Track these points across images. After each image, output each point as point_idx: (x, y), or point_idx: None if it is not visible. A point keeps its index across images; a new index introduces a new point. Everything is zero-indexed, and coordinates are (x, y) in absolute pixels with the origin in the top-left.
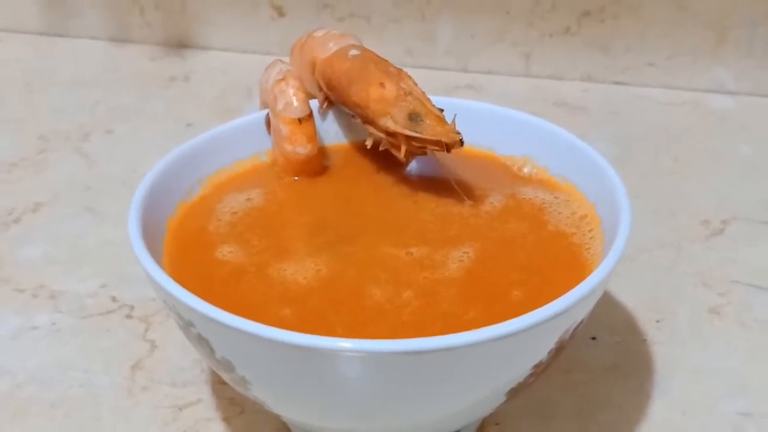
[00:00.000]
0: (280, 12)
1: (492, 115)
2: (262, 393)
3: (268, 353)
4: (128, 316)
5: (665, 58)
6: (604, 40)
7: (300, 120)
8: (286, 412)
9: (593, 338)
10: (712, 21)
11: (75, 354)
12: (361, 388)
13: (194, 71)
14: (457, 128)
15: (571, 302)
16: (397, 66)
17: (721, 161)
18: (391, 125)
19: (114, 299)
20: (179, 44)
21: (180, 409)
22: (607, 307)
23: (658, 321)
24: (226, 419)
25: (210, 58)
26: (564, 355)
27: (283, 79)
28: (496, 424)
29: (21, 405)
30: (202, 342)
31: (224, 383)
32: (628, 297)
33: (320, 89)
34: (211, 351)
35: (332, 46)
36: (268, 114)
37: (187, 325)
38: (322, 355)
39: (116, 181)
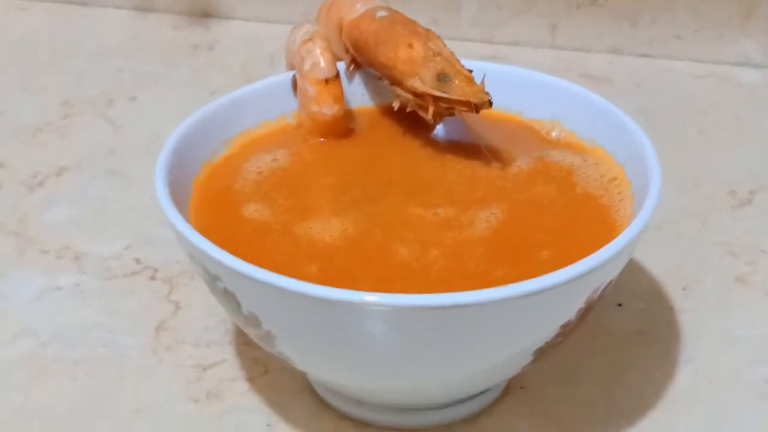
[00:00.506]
0: None
1: (520, 78)
2: (287, 349)
3: (295, 307)
4: (152, 278)
5: (692, 31)
6: (631, 12)
7: (327, 81)
8: (312, 368)
9: (619, 305)
10: None
11: (99, 315)
12: (387, 344)
13: (218, 40)
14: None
15: (602, 260)
16: None
17: (748, 133)
18: (419, 86)
19: (138, 261)
20: (203, 13)
21: (204, 369)
22: (633, 274)
23: (684, 289)
24: (251, 379)
25: (233, 28)
26: (590, 320)
27: (310, 39)
28: (522, 387)
29: (44, 364)
30: (228, 297)
31: (248, 344)
32: (654, 265)
33: (347, 51)
34: (238, 305)
35: (359, 8)
36: (294, 75)
37: (213, 280)
38: (348, 309)
39: (140, 147)
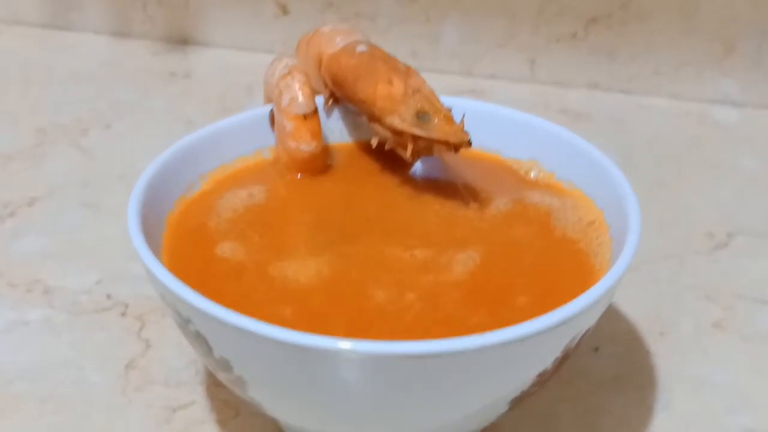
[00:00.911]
0: (284, 10)
1: (499, 116)
2: (259, 394)
3: (267, 352)
4: (123, 314)
5: (672, 68)
6: (611, 48)
7: (305, 116)
8: (283, 414)
9: (596, 349)
10: (720, 31)
11: (68, 351)
12: (361, 391)
13: (196, 68)
14: (465, 129)
15: (580, 309)
16: None
17: (725, 173)
18: (398, 123)
19: (109, 296)
20: (181, 40)
21: (173, 411)
22: (610, 318)
23: (661, 333)
24: (221, 422)
25: (212, 55)
26: (567, 365)
27: (288, 74)
28: None
29: (11, 400)
30: (199, 340)
31: (219, 385)
32: (631, 308)
33: (326, 85)
34: (209, 349)
35: (339, 42)
36: (272, 109)
37: (185, 322)
38: (322, 356)
39: (114, 177)
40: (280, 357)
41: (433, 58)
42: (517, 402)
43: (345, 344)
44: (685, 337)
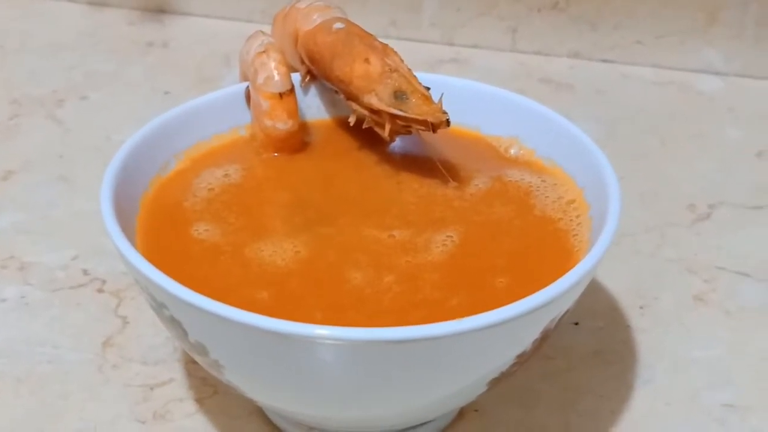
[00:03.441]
0: None
1: (479, 93)
2: (235, 378)
3: (243, 338)
4: (100, 290)
5: (654, 37)
6: (593, 17)
7: (281, 95)
8: (260, 397)
9: (576, 324)
10: (702, 0)
11: (44, 328)
12: (338, 376)
13: (173, 37)
14: (444, 107)
15: (557, 293)
16: (381, 37)
17: (708, 144)
18: (375, 103)
19: (85, 272)
20: (158, 9)
21: (151, 389)
22: (590, 292)
23: (641, 307)
24: (199, 400)
25: (189, 25)
26: (546, 344)
27: (264, 52)
28: (476, 410)
29: None
30: (174, 324)
31: (197, 363)
32: (611, 282)
33: (302, 62)
34: (184, 333)
35: (316, 18)
36: (248, 87)
37: (159, 307)
38: (299, 342)
39: (91, 149)
40: (256, 343)
41: (414, 27)
42: (497, 382)
43: (322, 331)
44: (666, 311)
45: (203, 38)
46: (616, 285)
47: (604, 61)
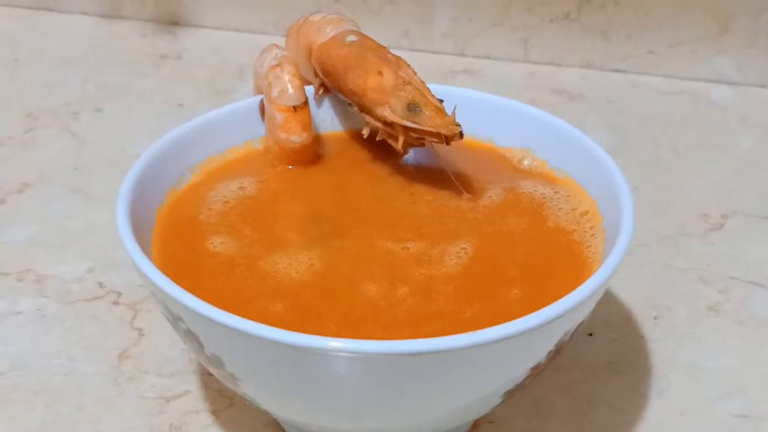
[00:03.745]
0: None
1: (492, 105)
2: (251, 390)
3: (259, 351)
4: (115, 303)
5: (666, 47)
6: (605, 27)
7: (295, 107)
8: (276, 409)
9: (590, 334)
10: (715, 9)
11: (60, 341)
12: (354, 389)
13: (186, 50)
14: (457, 120)
15: (571, 305)
16: (394, 49)
17: (720, 154)
18: (389, 115)
19: (101, 285)
20: (171, 21)
21: (167, 401)
22: (604, 302)
23: (655, 318)
24: (215, 412)
25: (202, 37)
26: (561, 356)
27: (278, 65)
28: (490, 422)
29: (3, 392)
30: (191, 337)
31: (213, 374)
32: (625, 292)
33: (316, 75)
34: (200, 347)
35: (329, 31)
36: (262, 100)
37: (176, 320)
38: (314, 355)
39: (105, 162)
40: (272, 355)
41: (426, 38)
42: (511, 394)
43: (337, 344)
44: (679, 322)
45: (216, 50)
46: (629, 295)
47: (616, 70)
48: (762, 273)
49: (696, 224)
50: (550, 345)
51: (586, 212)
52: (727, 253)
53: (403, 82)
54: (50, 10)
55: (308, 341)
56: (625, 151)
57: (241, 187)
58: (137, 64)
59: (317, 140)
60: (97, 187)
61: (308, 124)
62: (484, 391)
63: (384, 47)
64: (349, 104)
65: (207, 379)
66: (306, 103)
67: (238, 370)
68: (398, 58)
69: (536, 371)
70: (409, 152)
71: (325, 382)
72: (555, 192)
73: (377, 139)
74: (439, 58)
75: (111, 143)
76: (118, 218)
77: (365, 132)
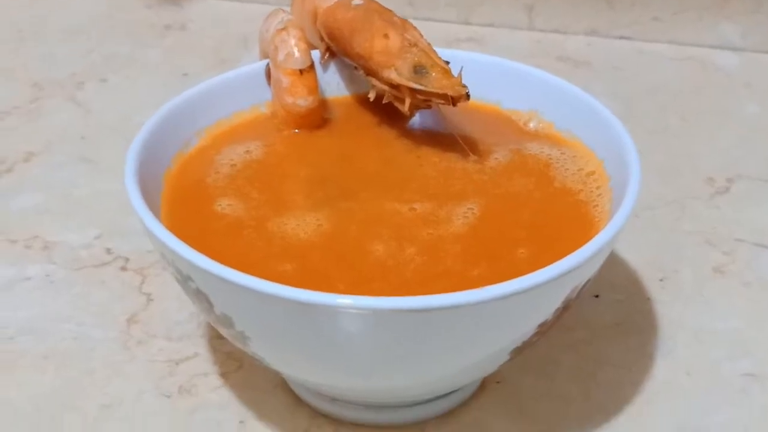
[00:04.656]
0: None
1: (498, 68)
2: (261, 349)
3: (269, 309)
4: (123, 268)
5: (671, 13)
6: None
7: (301, 71)
8: (285, 368)
9: (596, 296)
10: None
11: (68, 306)
12: (362, 346)
13: (191, 20)
14: (463, 82)
15: (579, 261)
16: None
17: (726, 119)
18: (395, 77)
19: (109, 251)
20: None
21: (176, 364)
22: (610, 264)
23: (661, 280)
24: (224, 374)
25: (206, 7)
26: (568, 314)
27: (284, 29)
28: (498, 382)
29: (12, 357)
30: (200, 297)
31: (221, 337)
32: (631, 255)
33: (322, 39)
34: (210, 306)
35: None
36: (268, 64)
37: (185, 280)
38: (323, 312)
39: (111, 131)
40: (281, 314)
41: (431, 6)
42: (519, 351)
43: (346, 300)
44: (685, 283)
45: (220, 20)
46: (636, 258)
47: (622, 37)
48: (767, 235)
49: (702, 188)
50: (557, 302)
51: (593, 172)
52: (733, 216)
53: (409, 44)
54: None
55: (318, 298)
56: (631, 117)
57: (247, 151)
58: (142, 34)
59: (323, 104)
60: (104, 155)
61: (314, 88)
62: (492, 348)
63: (390, 10)
64: (355, 68)
65: (216, 343)
66: (312, 66)
67: (248, 328)
68: (404, 20)
69: (543, 328)
70: (416, 115)
71: (334, 340)
72: (561, 153)
73: (383, 102)
74: (444, 26)
75: (116, 113)
76: (126, 179)
77: (371, 95)
